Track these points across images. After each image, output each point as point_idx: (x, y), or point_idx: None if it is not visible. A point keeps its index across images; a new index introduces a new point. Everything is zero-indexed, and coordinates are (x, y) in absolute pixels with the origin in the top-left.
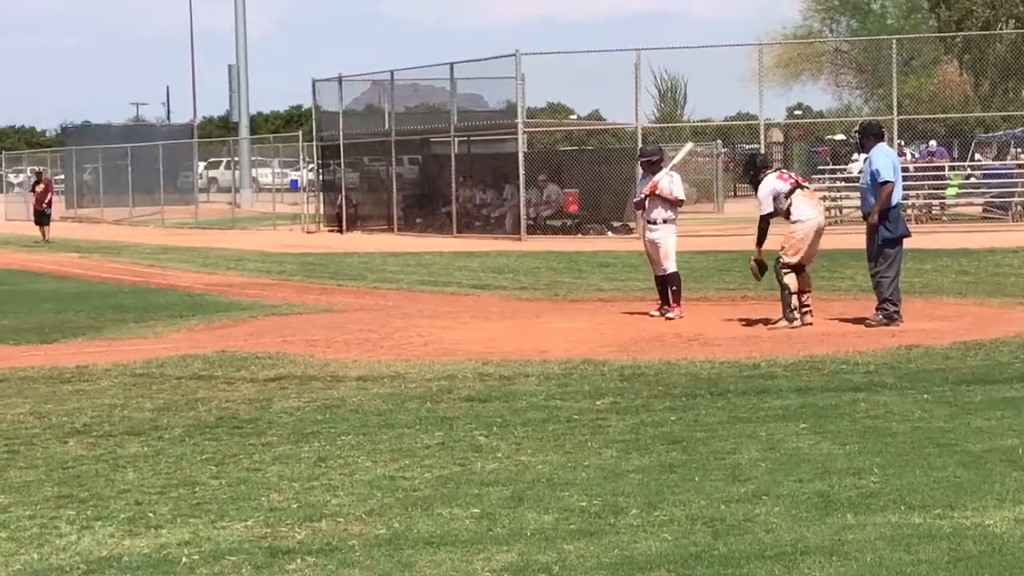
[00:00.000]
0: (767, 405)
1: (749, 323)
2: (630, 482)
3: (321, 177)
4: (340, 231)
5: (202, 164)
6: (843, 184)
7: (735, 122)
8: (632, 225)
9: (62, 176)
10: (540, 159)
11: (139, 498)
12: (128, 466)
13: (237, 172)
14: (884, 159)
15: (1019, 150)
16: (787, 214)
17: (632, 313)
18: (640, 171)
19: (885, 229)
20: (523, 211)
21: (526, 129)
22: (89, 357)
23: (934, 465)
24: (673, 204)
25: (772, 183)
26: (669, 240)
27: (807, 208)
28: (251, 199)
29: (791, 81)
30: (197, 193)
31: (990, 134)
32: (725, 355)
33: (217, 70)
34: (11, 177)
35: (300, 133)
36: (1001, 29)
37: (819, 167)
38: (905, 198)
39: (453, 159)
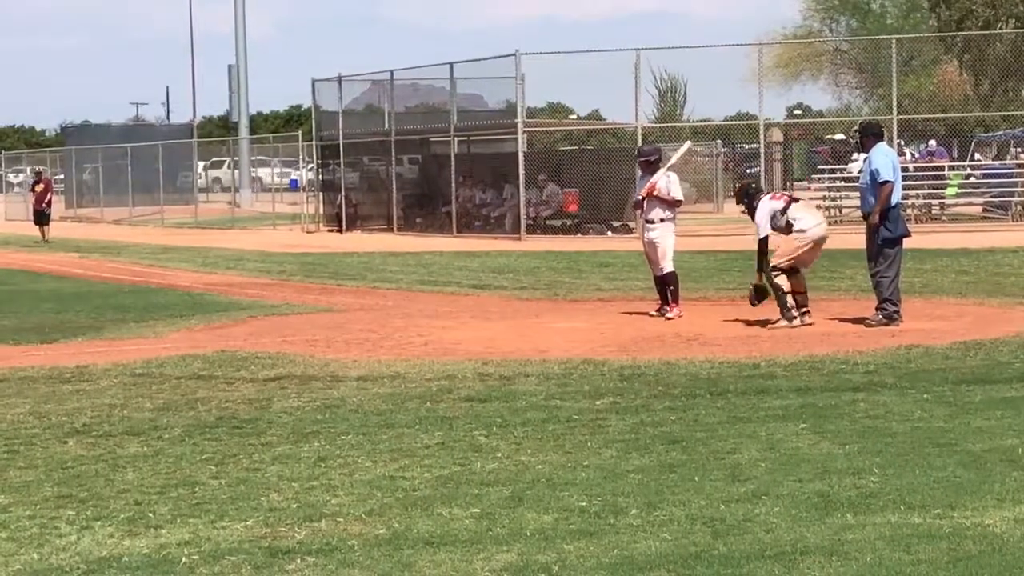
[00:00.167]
0: (767, 405)
1: (749, 323)
2: (630, 482)
3: (321, 177)
4: (340, 231)
5: (204, 163)
6: (843, 184)
7: (735, 122)
8: (632, 225)
9: (62, 176)
10: (540, 159)
11: (139, 498)
12: (128, 466)
13: (237, 172)
14: (884, 159)
15: (1019, 150)
16: (788, 228)
17: (632, 313)
18: (639, 171)
19: (885, 229)
20: (523, 211)
21: (526, 129)
22: (89, 357)
23: (934, 465)
24: (671, 204)
25: (767, 205)
26: (667, 239)
27: (808, 217)
28: (251, 199)
29: (791, 81)
30: (197, 193)
31: (990, 134)
32: (725, 355)
33: (217, 70)
34: (11, 177)
35: (300, 133)
36: (1001, 29)
37: (819, 167)
38: (905, 198)
39: (453, 159)
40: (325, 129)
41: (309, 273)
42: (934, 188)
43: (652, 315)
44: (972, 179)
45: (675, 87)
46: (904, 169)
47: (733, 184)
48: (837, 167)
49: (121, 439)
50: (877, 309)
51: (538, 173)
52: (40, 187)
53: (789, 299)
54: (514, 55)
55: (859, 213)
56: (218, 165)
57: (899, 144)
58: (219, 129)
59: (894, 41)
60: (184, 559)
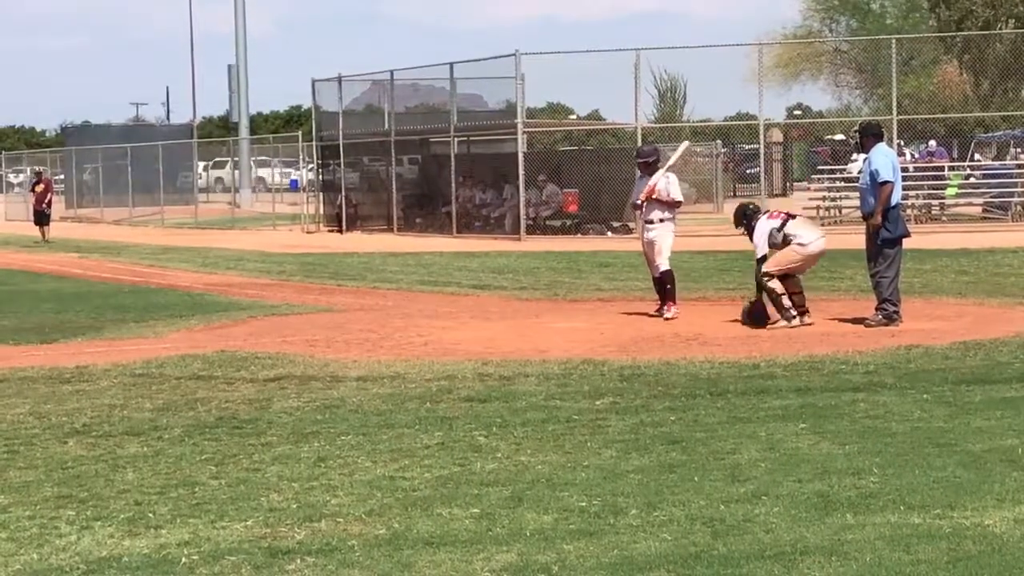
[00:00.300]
0: (767, 405)
1: None
2: (630, 482)
3: (321, 177)
4: (340, 231)
5: (207, 164)
6: (842, 184)
7: (735, 122)
8: (632, 225)
9: (62, 176)
10: (540, 159)
11: (139, 498)
12: (128, 466)
13: (237, 172)
14: (883, 159)
15: (1019, 150)
16: (785, 243)
17: (632, 313)
18: (638, 172)
19: (884, 229)
20: (523, 211)
21: (526, 129)
22: (89, 357)
23: (934, 465)
24: (671, 205)
25: (765, 224)
26: (665, 238)
27: (807, 232)
28: (251, 199)
29: (791, 81)
30: (197, 193)
31: (990, 134)
32: (725, 355)
33: (217, 70)
34: (11, 177)
35: (300, 133)
36: (1001, 29)
37: (818, 167)
38: (905, 198)
39: (453, 159)
40: (325, 129)
41: (309, 273)
42: (934, 188)
43: (652, 315)
44: (972, 179)
45: (675, 87)
46: (904, 169)
47: (733, 184)
48: (836, 167)
49: (121, 439)
50: (877, 309)
51: (538, 173)
52: (40, 187)
53: (784, 299)
54: (514, 55)
55: (859, 214)
56: (220, 165)
57: (899, 144)
58: (219, 129)
59: (894, 41)
60: (184, 559)
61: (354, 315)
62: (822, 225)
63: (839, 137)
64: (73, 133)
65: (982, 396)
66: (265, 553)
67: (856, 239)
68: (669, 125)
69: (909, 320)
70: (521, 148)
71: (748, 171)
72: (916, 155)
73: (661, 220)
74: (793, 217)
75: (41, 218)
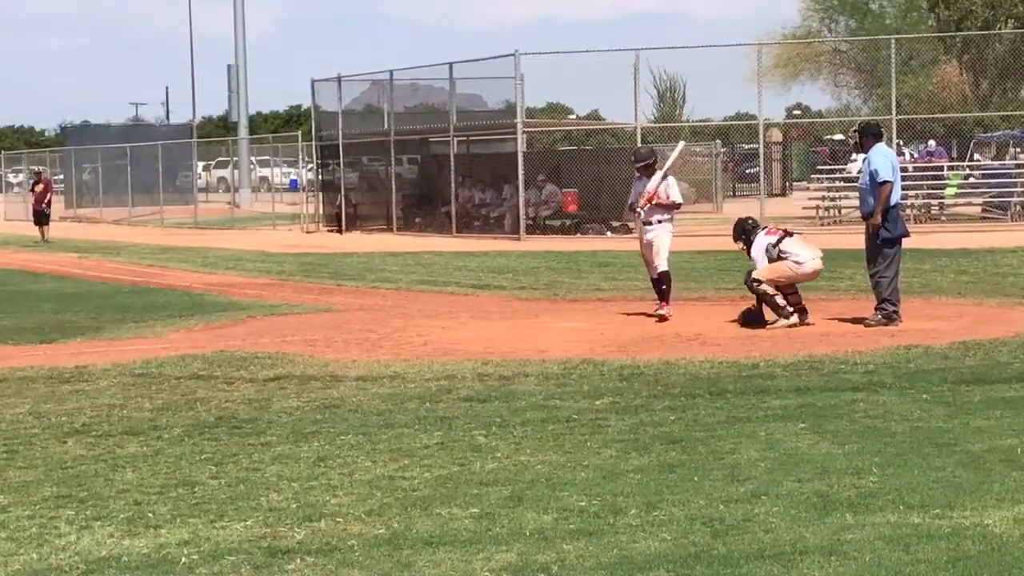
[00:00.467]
0: (766, 405)
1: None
2: (629, 482)
3: (320, 177)
4: (339, 231)
5: (209, 163)
6: (842, 184)
7: (734, 122)
8: (631, 225)
9: (61, 176)
10: (539, 159)
11: (138, 498)
12: (127, 466)
13: (236, 172)
14: (883, 159)
15: (1018, 150)
16: (780, 259)
17: (631, 313)
18: (636, 172)
19: (884, 229)
20: (522, 211)
21: (525, 129)
22: (88, 357)
23: (933, 465)
24: (670, 207)
25: (762, 240)
26: (664, 239)
27: (804, 251)
28: (250, 199)
29: (790, 81)
30: (196, 193)
31: (989, 134)
32: (724, 355)
33: (217, 70)
34: (10, 177)
35: (299, 133)
36: (1000, 29)
37: (818, 167)
38: (904, 198)
39: (452, 159)
40: (325, 129)
41: (308, 273)
42: (933, 188)
43: (652, 315)
44: (971, 179)
45: (674, 87)
46: (903, 169)
47: (732, 184)
48: (835, 167)
49: (120, 439)
50: (876, 309)
51: (537, 173)
52: (40, 187)
53: (778, 299)
54: (513, 55)
55: (858, 214)
56: (223, 165)
57: (898, 144)
58: (218, 129)
59: (893, 41)
60: (184, 559)
61: (353, 315)
62: (821, 225)
63: (838, 137)
64: (72, 133)
65: (981, 396)
66: (265, 553)
67: (855, 239)
68: (668, 125)
69: (908, 320)
70: (520, 148)
71: (747, 171)
72: (915, 155)
73: (659, 221)
74: (791, 235)
75: (40, 218)
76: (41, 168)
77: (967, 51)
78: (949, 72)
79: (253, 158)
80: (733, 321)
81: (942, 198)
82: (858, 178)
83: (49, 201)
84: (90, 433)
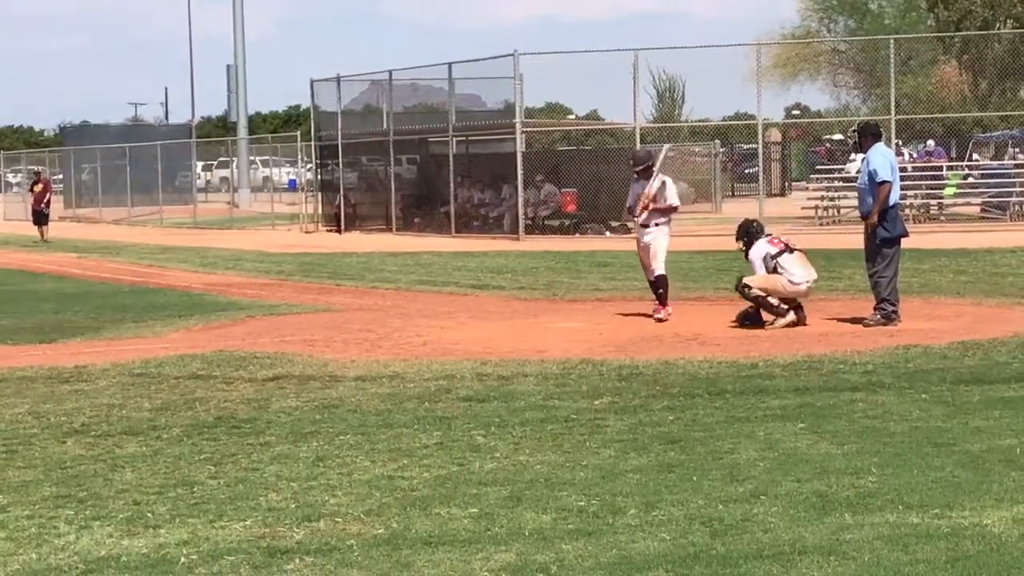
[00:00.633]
0: (765, 405)
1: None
2: (628, 482)
3: (319, 177)
4: (338, 231)
5: (211, 163)
6: (841, 184)
7: (733, 122)
8: (630, 225)
9: (60, 176)
10: (538, 159)
11: (137, 498)
12: (126, 466)
13: (236, 171)
14: (882, 159)
15: (1017, 150)
16: (775, 271)
17: (630, 313)
18: (634, 174)
19: (883, 229)
20: (521, 211)
21: (524, 129)
22: (88, 357)
23: (932, 465)
24: (668, 210)
25: (763, 247)
26: (661, 241)
27: (800, 270)
28: (249, 199)
29: (789, 81)
30: (196, 193)
31: (988, 134)
32: (723, 355)
33: (216, 70)
34: (9, 177)
35: (299, 133)
36: (999, 29)
37: (817, 167)
38: (903, 198)
39: (451, 159)
40: (324, 129)
41: (308, 273)
42: (932, 188)
43: (651, 316)
44: (970, 179)
45: (673, 87)
46: (902, 169)
47: (731, 184)
48: (833, 167)
49: (120, 439)
50: (875, 309)
51: (536, 173)
52: (39, 187)
53: (771, 299)
54: (512, 55)
55: (857, 213)
56: (225, 165)
57: (897, 144)
58: (218, 129)
59: (892, 41)
60: (183, 559)
61: (353, 315)
62: (820, 225)
63: (837, 137)
64: (72, 133)
65: (980, 396)
66: (264, 553)
67: (854, 239)
68: (668, 125)
69: (907, 320)
70: (520, 148)
71: (746, 171)
72: (914, 155)
73: (657, 224)
74: (791, 251)
75: (40, 218)
76: (40, 168)
77: (966, 51)
78: (948, 72)
79: (256, 158)
80: (732, 324)
81: (941, 198)
82: (857, 178)
83: (48, 201)
84: (89, 433)
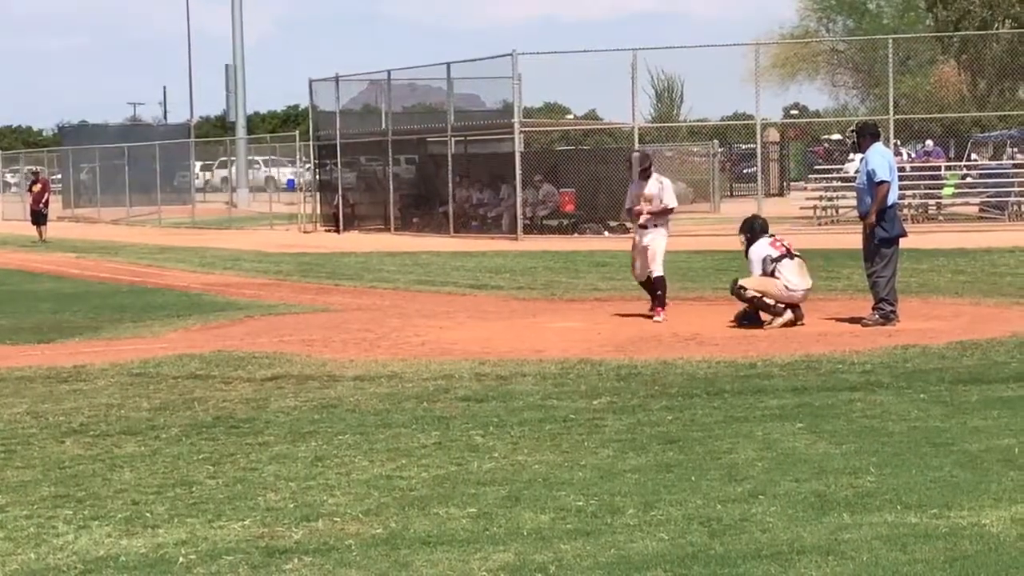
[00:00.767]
0: (763, 405)
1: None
2: (626, 482)
3: (318, 177)
4: (337, 231)
5: (212, 163)
6: (839, 184)
7: (732, 122)
8: (628, 225)
9: (59, 176)
10: (537, 159)
11: (136, 498)
12: (125, 466)
13: (234, 171)
14: (880, 159)
15: (1015, 150)
16: (772, 275)
17: (629, 313)
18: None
19: (881, 229)
20: (520, 211)
21: (523, 129)
22: (86, 357)
23: (930, 465)
24: (665, 212)
25: (764, 249)
26: (659, 242)
27: (797, 279)
28: (248, 199)
29: (788, 81)
30: (194, 193)
31: (986, 134)
32: (722, 355)
33: (216, 69)
34: (8, 177)
35: (297, 133)
36: (998, 29)
37: (815, 167)
38: (901, 198)
39: (450, 159)
40: (322, 129)
41: (306, 273)
42: (931, 188)
43: (647, 316)
44: (969, 179)
45: (672, 87)
46: (900, 169)
47: (730, 184)
48: (833, 167)
49: (118, 439)
50: (874, 309)
51: (535, 173)
52: (37, 187)
53: (767, 299)
54: (511, 55)
55: (855, 213)
56: (226, 164)
57: (895, 144)
58: (216, 129)
59: (890, 41)
60: (181, 559)
61: (351, 315)
62: (819, 224)
63: (836, 137)
64: (70, 133)
65: (979, 396)
66: (262, 553)
67: (852, 239)
68: (666, 125)
69: (906, 320)
70: (518, 148)
71: (745, 171)
72: (913, 155)
73: (655, 225)
74: (792, 257)
75: (38, 218)
76: (39, 168)
77: (965, 51)
78: (947, 72)
79: (259, 158)
80: (730, 324)
81: (939, 198)
82: (855, 178)
83: (47, 201)
84: (88, 433)
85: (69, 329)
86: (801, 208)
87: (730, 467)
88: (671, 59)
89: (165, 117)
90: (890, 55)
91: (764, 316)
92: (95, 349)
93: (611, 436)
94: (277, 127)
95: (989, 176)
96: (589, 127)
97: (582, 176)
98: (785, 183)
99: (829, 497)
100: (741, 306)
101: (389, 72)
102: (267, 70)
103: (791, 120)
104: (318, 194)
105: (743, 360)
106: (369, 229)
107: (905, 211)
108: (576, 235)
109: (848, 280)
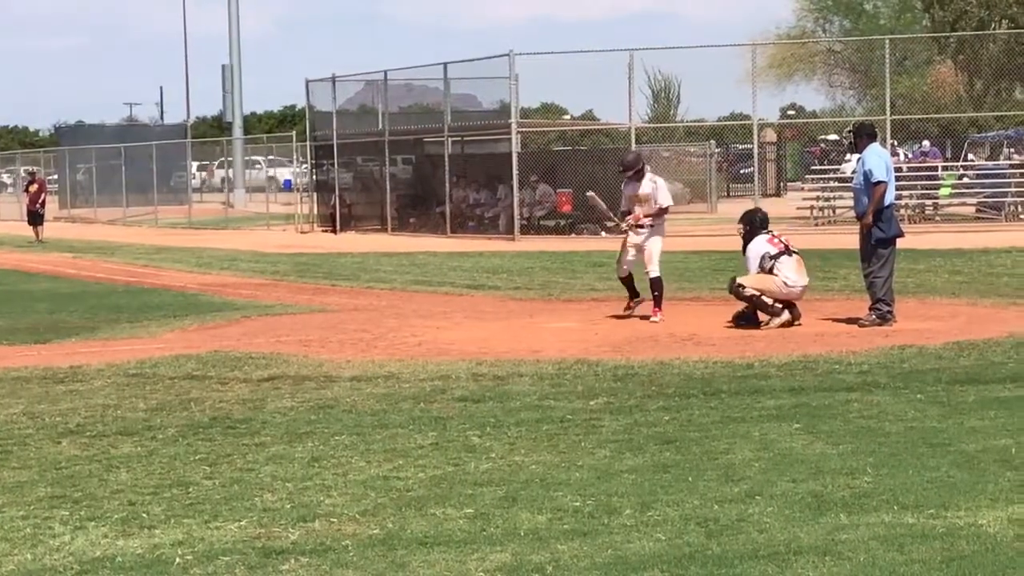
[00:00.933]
0: (760, 405)
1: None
2: (623, 482)
3: (315, 177)
4: (334, 231)
5: (212, 163)
6: (836, 184)
7: (729, 122)
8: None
9: (56, 176)
10: (534, 159)
11: (132, 498)
12: (121, 466)
13: (237, 171)
14: (877, 159)
15: (1012, 150)
16: (770, 272)
17: (626, 314)
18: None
19: (878, 229)
20: (517, 211)
21: (520, 129)
22: (83, 357)
23: (927, 465)
24: (660, 214)
25: (763, 245)
26: (655, 243)
27: (795, 276)
28: (244, 199)
29: (784, 81)
30: (191, 193)
31: (983, 134)
32: (719, 355)
33: (214, 69)
34: (4, 177)
35: (294, 133)
36: (995, 29)
37: (812, 167)
38: (898, 198)
39: (447, 159)
40: (319, 129)
41: (303, 273)
42: (927, 188)
43: (622, 315)
44: (965, 179)
45: (669, 87)
46: (897, 169)
47: (727, 184)
48: (830, 167)
49: (115, 439)
50: (871, 309)
51: (532, 173)
52: (34, 187)
53: (765, 298)
54: (508, 55)
55: (852, 214)
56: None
57: (892, 145)
58: (213, 129)
59: (887, 41)
60: (178, 559)
61: (348, 315)
62: (815, 225)
63: (833, 137)
64: (67, 133)
65: (976, 396)
66: (259, 553)
67: (850, 239)
68: (663, 125)
69: (903, 320)
70: (515, 148)
71: (742, 171)
72: (910, 155)
73: (651, 225)
74: (790, 254)
75: (35, 218)
76: (35, 168)
77: (961, 51)
78: (943, 72)
79: (260, 158)
80: (728, 324)
81: (936, 198)
82: (852, 178)
83: (43, 201)
84: (84, 433)
85: (65, 329)
86: (798, 208)
87: (727, 467)
88: (668, 59)
89: (162, 117)
90: (887, 55)
91: (761, 316)
92: (91, 349)
93: (608, 436)
94: (274, 127)
95: (986, 176)
96: (586, 127)
97: (579, 176)
98: (782, 183)
99: (826, 497)
100: (738, 306)
101: (386, 72)
102: (265, 70)
103: (788, 120)
104: (315, 194)
105: (740, 360)
106: (366, 229)
107: (902, 211)
108: (573, 235)
109: (845, 280)
